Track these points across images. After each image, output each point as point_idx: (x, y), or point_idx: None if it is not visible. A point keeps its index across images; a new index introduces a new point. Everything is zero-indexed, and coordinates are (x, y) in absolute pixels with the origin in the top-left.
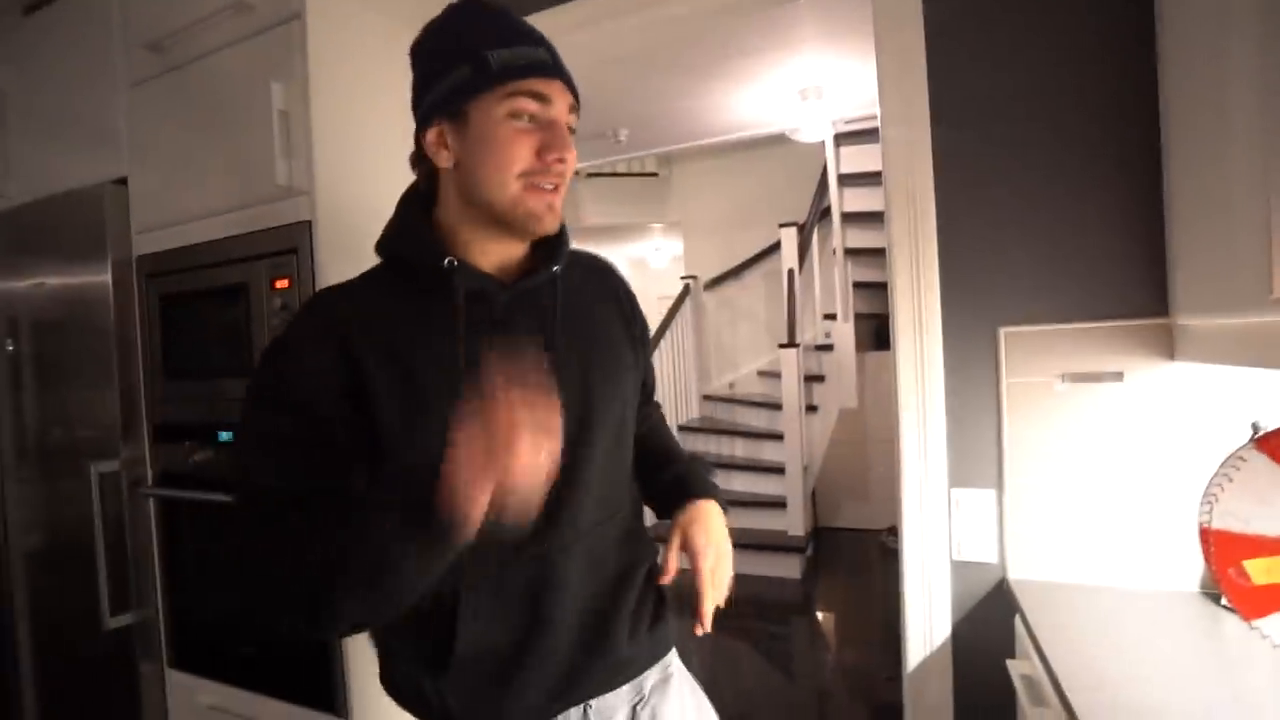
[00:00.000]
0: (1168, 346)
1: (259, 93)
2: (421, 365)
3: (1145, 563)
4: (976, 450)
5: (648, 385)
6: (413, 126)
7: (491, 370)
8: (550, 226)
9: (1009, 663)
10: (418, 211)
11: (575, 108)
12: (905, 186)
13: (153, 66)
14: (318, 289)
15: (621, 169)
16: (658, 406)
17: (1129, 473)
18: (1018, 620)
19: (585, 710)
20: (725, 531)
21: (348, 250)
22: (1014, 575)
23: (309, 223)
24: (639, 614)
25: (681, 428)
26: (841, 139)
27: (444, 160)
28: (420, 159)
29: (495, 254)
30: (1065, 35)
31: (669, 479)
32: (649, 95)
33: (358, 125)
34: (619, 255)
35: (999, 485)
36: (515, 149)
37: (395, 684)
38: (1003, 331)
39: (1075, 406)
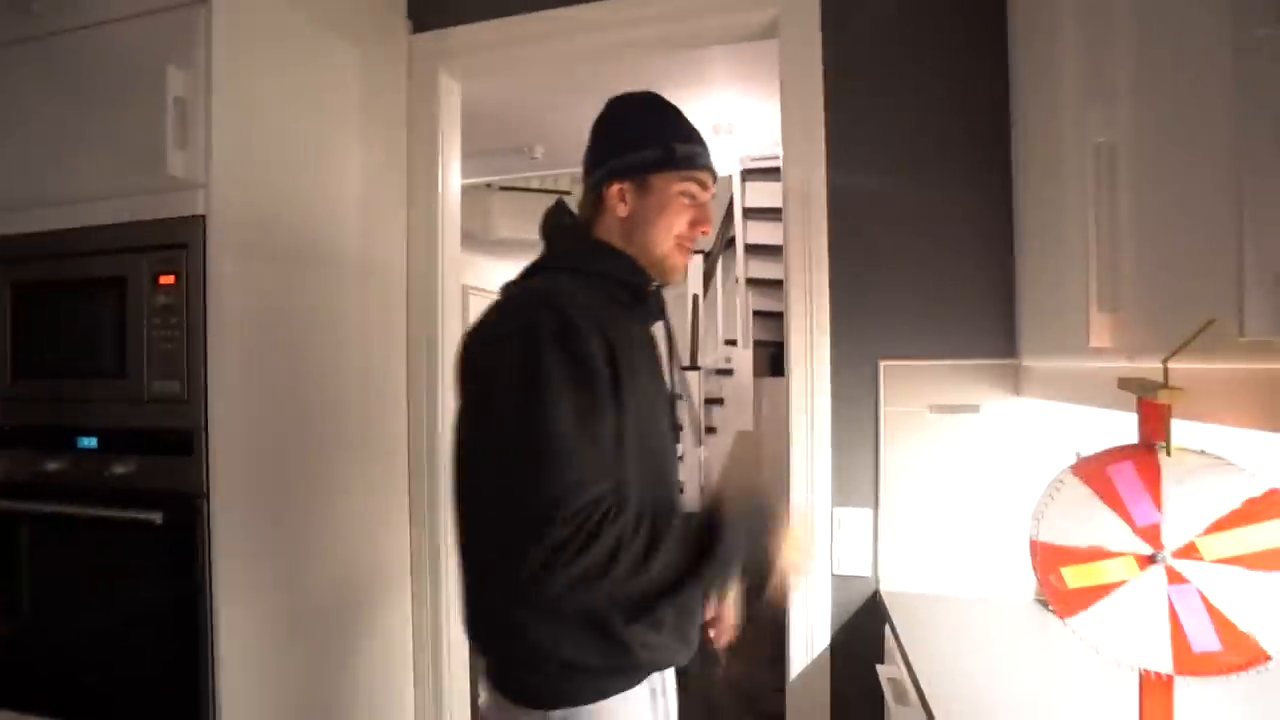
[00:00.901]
0: (1015, 384)
1: (151, 75)
2: (628, 356)
3: (995, 574)
4: (857, 472)
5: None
6: (321, 129)
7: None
8: (680, 277)
9: (879, 668)
10: (589, 238)
11: (714, 193)
12: (802, 224)
13: (16, 28)
14: (212, 286)
15: (535, 184)
16: None
17: (983, 494)
18: (888, 629)
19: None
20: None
21: (246, 248)
22: (885, 587)
23: (203, 217)
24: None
25: None
26: (748, 174)
27: (620, 210)
28: (595, 201)
29: None
30: (936, 100)
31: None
32: (566, 115)
33: (261, 120)
34: None
35: (875, 504)
36: (679, 217)
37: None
38: (883, 364)
39: (940, 434)
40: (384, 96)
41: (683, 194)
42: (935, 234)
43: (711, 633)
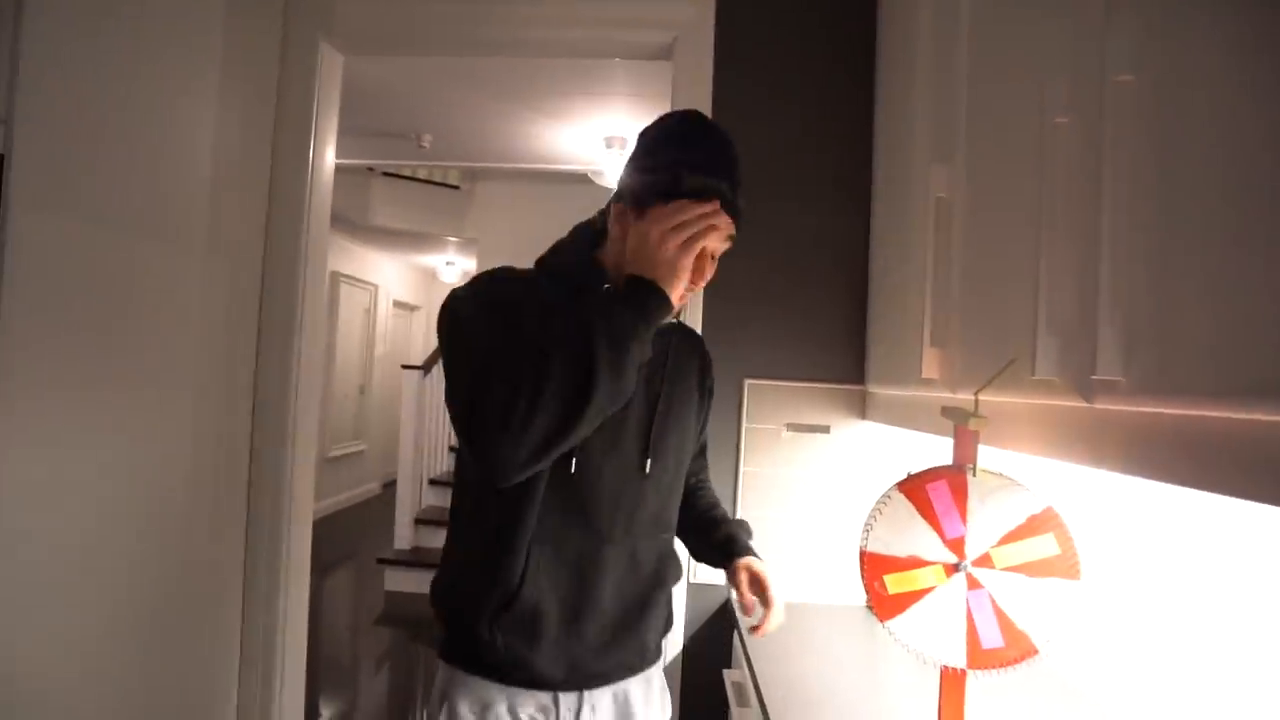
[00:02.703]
0: (862, 408)
1: None
2: None
3: (834, 582)
4: (718, 485)
5: (705, 442)
6: (165, 82)
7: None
8: (673, 314)
9: (725, 672)
10: (587, 245)
11: (733, 237)
12: None
13: None
14: (12, 242)
15: (423, 174)
16: (707, 467)
17: (830, 508)
18: (736, 635)
19: (614, 694)
20: None
21: (58, 202)
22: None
23: (1, 157)
24: (660, 619)
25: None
26: None
27: (617, 233)
28: (605, 217)
29: None
30: (811, 140)
31: (722, 537)
32: (458, 107)
33: (88, 57)
34: (405, 262)
35: (733, 515)
36: None
37: (458, 638)
38: (747, 383)
39: (795, 452)
40: (250, 58)
41: None
42: (802, 263)
43: (747, 618)
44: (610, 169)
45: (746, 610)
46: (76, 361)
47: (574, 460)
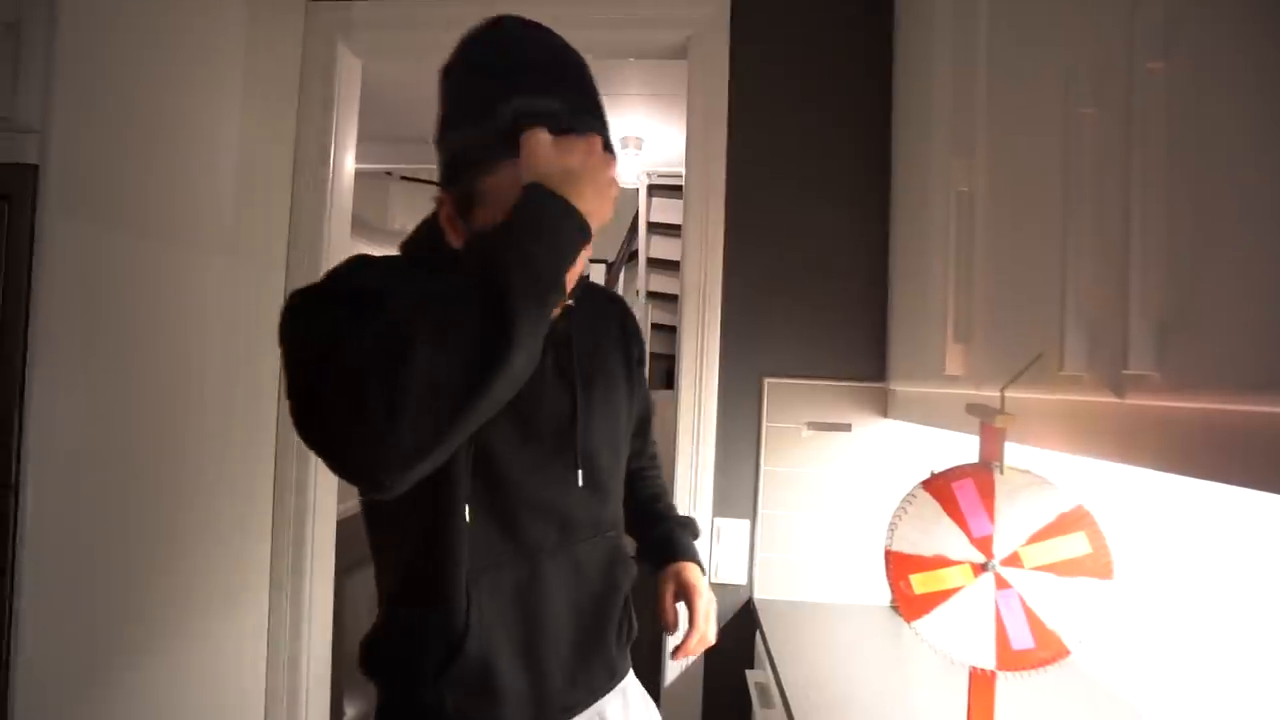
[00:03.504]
0: (883, 405)
1: None
2: None
3: (858, 582)
4: (738, 484)
5: (644, 417)
6: (192, 90)
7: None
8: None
9: (748, 673)
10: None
11: (608, 160)
12: (700, 244)
13: None
14: (43, 250)
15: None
16: (654, 444)
17: (851, 507)
18: (758, 635)
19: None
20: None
21: (88, 209)
22: (759, 595)
23: (35, 168)
24: (621, 627)
25: None
26: (654, 190)
27: (455, 240)
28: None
29: None
30: (828, 136)
31: (657, 536)
32: None
33: (119, 68)
34: None
35: (753, 516)
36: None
37: (398, 706)
38: (767, 381)
39: (816, 451)
40: (273, 64)
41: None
42: (821, 261)
43: (669, 637)
44: (627, 169)
45: (666, 627)
46: (104, 363)
47: (488, 474)
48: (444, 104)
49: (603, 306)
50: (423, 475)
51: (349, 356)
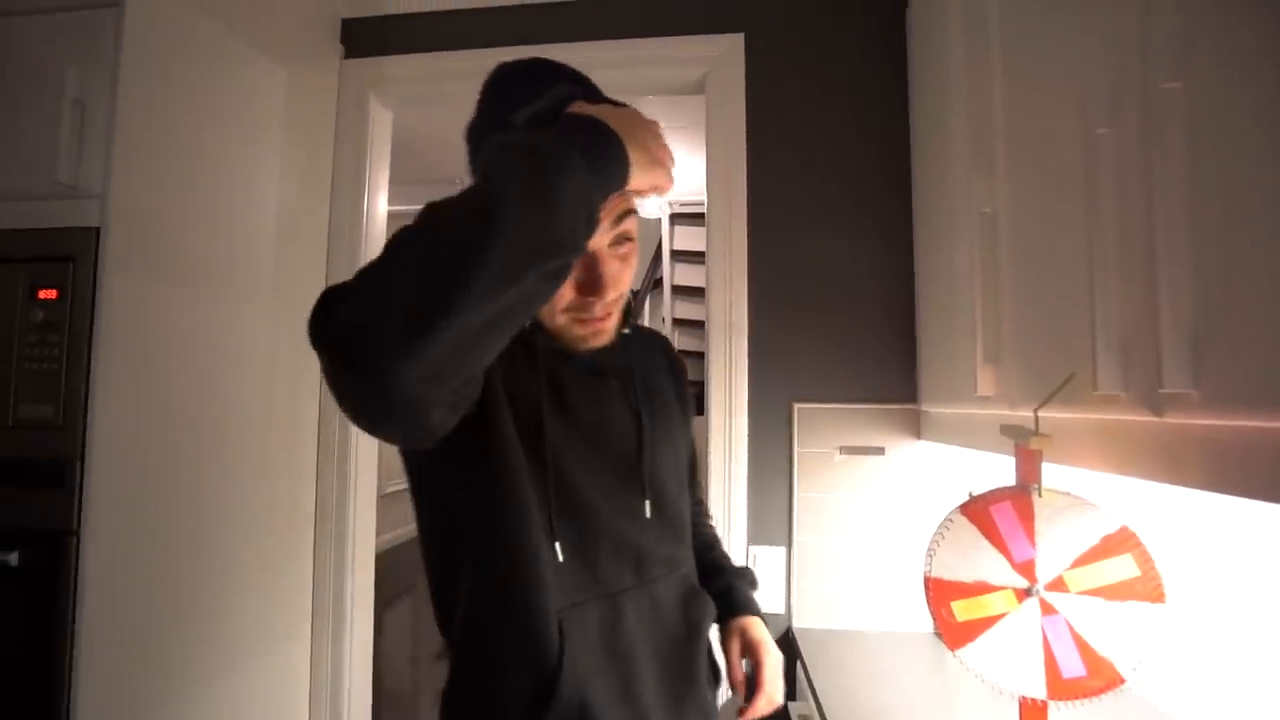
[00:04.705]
0: (916, 428)
1: (51, 76)
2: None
3: (898, 609)
4: (772, 511)
5: (693, 460)
6: (236, 147)
7: None
8: (602, 343)
9: (791, 705)
10: None
11: (628, 213)
12: (724, 271)
13: None
14: (102, 305)
15: None
16: (701, 489)
17: (888, 532)
18: (799, 665)
19: None
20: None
21: (144, 266)
22: (798, 624)
23: (96, 230)
24: (709, 668)
25: None
26: (677, 219)
27: None
28: None
29: None
30: (848, 160)
31: (716, 590)
32: None
33: (170, 132)
34: None
35: (789, 543)
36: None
37: None
38: (797, 407)
39: (849, 475)
40: (310, 118)
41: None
42: (846, 284)
43: (738, 696)
44: (648, 203)
45: (734, 687)
46: (158, 411)
47: (566, 499)
48: (473, 133)
49: (649, 342)
50: (445, 384)
51: (371, 273)
